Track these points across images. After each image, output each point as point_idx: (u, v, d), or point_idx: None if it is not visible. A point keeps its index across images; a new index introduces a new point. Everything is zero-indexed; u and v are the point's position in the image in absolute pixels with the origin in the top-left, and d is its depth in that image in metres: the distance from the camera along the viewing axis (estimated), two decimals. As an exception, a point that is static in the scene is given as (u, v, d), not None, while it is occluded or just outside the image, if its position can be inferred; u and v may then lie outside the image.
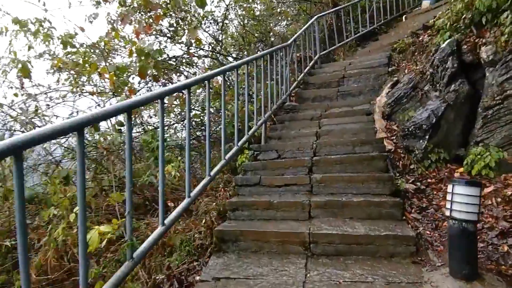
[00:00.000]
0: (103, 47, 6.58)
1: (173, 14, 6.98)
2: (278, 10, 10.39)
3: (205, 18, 8.10)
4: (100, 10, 11.00)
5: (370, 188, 3.65)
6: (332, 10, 8.41)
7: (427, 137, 4.20)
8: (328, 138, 4.69)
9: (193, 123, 7.04)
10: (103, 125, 5.47)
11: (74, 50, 5.59)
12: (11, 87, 5.66)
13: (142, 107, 6.15)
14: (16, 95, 5.55)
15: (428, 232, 3.14)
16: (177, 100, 6.05)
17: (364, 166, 3.98)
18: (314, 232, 3.09)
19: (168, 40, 7.68)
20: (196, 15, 7.56)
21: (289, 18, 10.44)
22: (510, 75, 3.67)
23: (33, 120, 5.47)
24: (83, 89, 6.42)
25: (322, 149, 4.43)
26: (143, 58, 4.79)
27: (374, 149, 4.22)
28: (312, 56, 7.34)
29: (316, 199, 3.58)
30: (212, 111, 6.59)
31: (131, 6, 6.31)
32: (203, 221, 3.73)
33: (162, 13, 6.71)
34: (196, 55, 7.77)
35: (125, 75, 5.74)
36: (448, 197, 2.42)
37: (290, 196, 3.79)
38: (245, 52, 9.03)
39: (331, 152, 4.35)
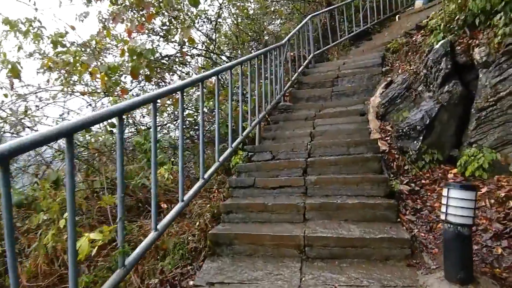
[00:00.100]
0: (94, 46, 6.48)
1: (166, 13, 6.89)
2: (272, 9, 10.34)
3: (198, 17, 8.03)
4: (91, 8, 10.84)
5: (364, 189, 3.65)
6: (326, 9, 8.40)
7: (421, 138, 4.21)
8: (323, 139, 4.67)
9: (187, 122, 6.97)
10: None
11: (65, 49, 5.49)
12: (1, 88, 5.55)
13: (135, 108, 6.05)
14: (6, 95, 5.45)
15: (422, 234, 3.14)
16: (170, 100, 5.98)
17: (358, 167, 3.97)
18: (309, 235, 3.07)
19: (161, 39, 7.59)
20: (189, 13, 7.48)
21: (283, 17, 10.40)
22: (503, 77, 3.68)
23: (23, 121, 5.37)
24: (74, 89, 6.32)
25: (317, 150, 4.41)
26: (135, 58, 4.72)
27: (369, 150, 4.21)
28: (306, 55, 7.32)
29: (311, 201, 3.56)
30: (206, 110, 6.54)
31: (123, 5, 6.22)
32: (197, 223, 3.69)
33: (154, 12, 6.62)
34: (189, 54, 7.69)
35: (117, 74, 5.66)
36: (443, 200, 2.41)
37: (285, 198, 3.76)
38: (239, 51, 8.98)
39: (326, 153, 4.33)
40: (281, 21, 10.70)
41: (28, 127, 5.86)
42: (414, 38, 6.34)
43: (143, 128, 6.70)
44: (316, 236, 3.06)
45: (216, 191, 4.49)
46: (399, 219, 3.32)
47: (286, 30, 9.25)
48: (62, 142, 5.38)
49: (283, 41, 6.13)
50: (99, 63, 5.69)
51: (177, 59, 7.75)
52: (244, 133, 4.29)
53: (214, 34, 8.72)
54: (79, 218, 4.00)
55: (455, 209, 2.32)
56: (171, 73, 7.65)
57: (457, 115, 4.28)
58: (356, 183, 3.70)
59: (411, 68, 5.34)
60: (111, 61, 6.39)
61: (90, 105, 6.59)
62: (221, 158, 3.58)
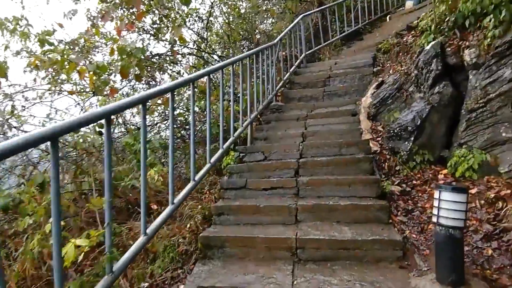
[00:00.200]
0: (83, 45, 6.36)
1: (156, 11, 6.80)
2: (264, 8, 10.30)
3: (189, 16, 7.94)
4: (80, 6, 10.64)
5: (356, 191, 3.64)
6: (317, 9, 8.39)
7: (412, 138, 4.22)
8: (314, 140, 4.66)
9: (178, 121, 6.90)
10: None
11: (52, 48, 5.36)
12: (-13, 87, 5.41)
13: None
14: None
15: (414, 235, 3.14)
16: (161, 99, 5.90)
17: (350, 168, 3.97)
18: (301, 237, 3.05)
19: (151, 38, 7.49)
20: (180, 12, 7.39)
21: (274, 17, 10.36)
22: (493, 78, 3.71)
23: (9, 121, 5.24)
24: (61, 88, 6.20)
25: (309, 150, 4.40)
26: (125, 57, 4.64)
27: (360, 151, 4.21)
28: (298, 55, 7.30)
29: (303, 202, 3.54)
30: (197, 110, 6.47)
31: (113, 3, 6.11)
32: (188, 225, 3.65)
33: (144, 10, 6.53)
34: (180, 53, 7.61)
35: (106, 73, 5.56)
36: (435, 203, 2.41)
37: (277, 200, 3.74)
38: (231, 50, 8.92)
39: (318, 154, 4.32)
40: (273, 21, 10.67)
41: (15, 127, 5.73)
42: (405, 39, 6.37)
43: (133, 127, 6.61)
44: (308, 238, 3.04)
45: (208, 192, 4.45)
46: (390, 220, 3.32)
47: (278, 30, 9.22)
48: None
49: (275, 41, 6.10)
50: (87, 62, 5.58)
51: (168, 58, 7.66)
52: (236, 133, 4.25)
53: (206, 33, 8.64)
54: (67, 220, 3.93)
55: (447, 211, 2.33)
56: (161, 72, 7.57)
57: (447, 116, 4.31)
58: (348, 184, 3.69)
59: (402, 68, 5.36)
60: (100, 59, 6.29)
61: (78, 104, 6.48)
62: (213, 160, 3.54)
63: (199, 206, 3.93)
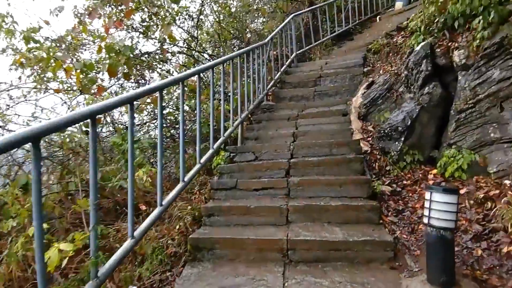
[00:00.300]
0: (70, 42, 6.23)
1: (146, 9, 6.69)
2: (255, 7, 10.25)
3: (179, 14, 7.84)
4: (67, 3, 10.43)
5: (347, 191, 3.63)
6: (308, 9, 8.39)
7: (402, 139, 4.23)
8: (305, 139, 4.64)
9: (168, 121, 6.81)
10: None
11: (37, 45, 5.22)
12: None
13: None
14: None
15: (404, 236, 3.15)
16: (150, 98, 5.81)
17: (341, 168, 3.96)
18: (292, 238, 3.02)
19: (141, 36, 7.38)
20: (170, 10, 7.29)
21: (265, 16, 10.33)
22: (482, 79, 3.74)
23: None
24: (47, 86, 6.05)
25: (300, 150, 4.37)
26: (113, 55, 4.54)
27: (351, 151, 4.21)
28: (289, 54, 7.28)
29: (294, 203, 3.52)
30: (187, 108, 6.40)
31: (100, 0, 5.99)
32: (177, 227, 3.58)
33: (133, 8, 6.42)
34: (170, 51, 7.51)
35: (94, 71, 5.44)
36: (426, 204, 2.41)
37: (268, 201, 3.70)
38: (221, 49, 8.85)
39: (308, 154, 4.30)
40: (264, 20, 10.64)
41: (0, 127, 5.58)
42: (394, 39, 6.40)
43: (121, 127, 6.50)
44: (299, 240, 3.01)
45: (198, 192, 4.39)
46: (381, 221, 3.32)
47: (268, 29, 9.18)
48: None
49: (266, 40, 6.07)
50: (74, 60, 5.45)
51: (157, 57, 7.56)
52: (226, 133, 4.20)
53: (196, 32, 8.56)
54: (52, 222, 3.82)
55: (438, 212, 2.32)
56: (151, 71, 7.46)
57: (437, 116, 4.33)
58: (339, 185, 3.68)
59: (392, 69, 5.38)
60: (88, 57, 6.16)
61: (65, 102, 6.34)
62: (203, 160, 3.48)
63: (189, 207, 3.87)
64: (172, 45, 7.57)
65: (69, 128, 5.24)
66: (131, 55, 5.19)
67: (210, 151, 3.72)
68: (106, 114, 6.23)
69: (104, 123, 6.45)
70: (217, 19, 9.08)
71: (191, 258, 3.12)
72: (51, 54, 4.83)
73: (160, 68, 7.51)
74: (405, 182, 4.01)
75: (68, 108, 5.98)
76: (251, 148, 4.63)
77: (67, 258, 2.00)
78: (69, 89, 6.09)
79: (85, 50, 6.90)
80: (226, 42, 9.10)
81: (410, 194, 3.81)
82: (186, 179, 3.07)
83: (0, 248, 3.27)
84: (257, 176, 4.12)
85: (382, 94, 5.09)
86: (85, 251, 3.07)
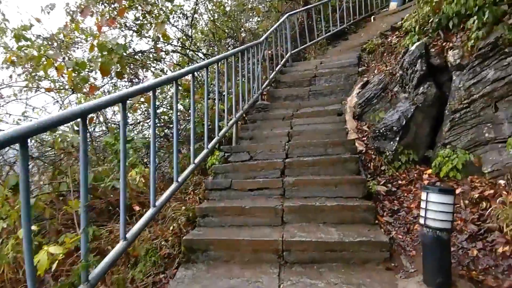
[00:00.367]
0: (62, 40, 6.13)
1: (139, 7, 6.61)
2: (249, 6, 10.21)
3: (173, 12, 7.77)
4: (59, 0, 10.29)
5: (343, 191, 3.61)
6: (303, 8, 8.37)
7: (397, 138, 4.22)
8: (300, 139, 4.61)
9: (162, 120, 6.75)
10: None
11: (29, 43, 5.13)
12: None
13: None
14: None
15: (400, 236, 3.13)
16: (144, 97, 5.74)
17: (336, 168, 3.94)
18: (287, 239, 2.99)
19: (134, 34, 7.30)
20: (164, 8, 7.22)
21: (260, 15, 10.29)
22: (477, 79, 3.74)
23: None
24: (39, 85, 5.95)
25: (295, 150, 4.35)
26: (105, 53, 4.47)
27: (347, 150, 4.19)
28: (284, 54, 7.26)
29: (289, 203, 3.49)
30: (182, 108, 6.34)
31: (93, -3, 5.90)
32: (171, 228, 3.53)
33: (127, 6, 6.34)
34: (164, 50, 7.43)
35: (86, 70, 5.36)
36: (422, 204, 2.39)
37: (263, 201, 3.67)
38: (216, 48, 8.80)
39: (304, 153, 4.28)
40: (259, 19, 10.60)
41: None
42: (389, 39, 6.41)
43: (114, 126, 6.42)
44: (294, 241, 2.98)
45: (192, 192, 4.34)
46: (377, 221, 3.31)
47: (263, 28, 9.15)
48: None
49: (261, 39, 6.03)
50: (67, 58, 5.37)
51: (151, 55, 7.48)
52: (221, 133, 4.16)
53: (190, 30, 8.49)
54: (44, 223, 3.76)
55: (434, 213, 2.31)
56: (145, 70, 7.38)
57: (431, 116, 4.34)
58: (335, 185, 3.66)
59: (387, 69, 5.38)
60: (80, 56, 6.08)
61: (57, 101, 6.24)
62: (197, 160, 3.44)
63: (183, 208, 3.82)
64: (166, 44, 7.50)
65: (61, 128, 5.17)
66: (124, 54, 5.12)
67: (205, 151, 3.68)
68: (99, 113, 6.15)
69: (97, 122, 6.37)
70: (212, 18, 9.02)
71: (185, 260, 3.08)
72: (42, 52, 4.74)
73: (154, 67, 7.43)
74: (400, 182, 4.00)
75: (60, 107, 5.89)
76: (246, 148, 4.59)
77: (57, 261, 1.94)
78: (61, 88, 6.00)
79: (78, 48, 6.81)
80: (221, 41, 9.05)
81: (405, 194, 3.81)
82: (180, 179, 3.03)
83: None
84: (252, 176, 4.08)
85: (377, 93, 5.09)
86: (78, 253, 3.01)
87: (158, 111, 6.81)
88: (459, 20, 4.15)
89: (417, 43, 4.67)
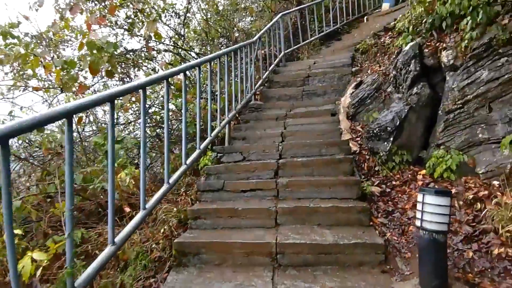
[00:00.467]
0: (51, 38, 6.00)
1: (131, 5, 6.50)
2: (242, 5, 10.15)
3: (165, 11, 7.67)
4: (48, -4, 10.08)
5: (337, 192, 3.57)
6: (296, 8, 8.34)
7: (391, 139, 4.20)
8: (294, 140, 4.57)
9: (153, 120, 6.64)
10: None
11: (16, 41, 4.99)
12: None
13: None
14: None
15: (395, 238, 3.10)
16: (135, 96, 5.64)
17: (330, 169, 3.90)
18: (281, 242, 2.93)
19: (125, 33, 7.18)
20: (155, 7, 7.11)
21: (253, 15, 10.24)
22: (471, 80, 3.73)
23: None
24: (27, 84, 5.82)
25: (288, 151, 4.30)
26: (95, 52, 4.36)
27: (341, 151, 4.16)
28: (277, 54, 7.21)
29: (283, 205, 3.43)
30: (173, 107, 6.25)
31: (83, -6, 5.77)
32: (162, 230, 3.45)
33: (118, 4, 6.23)
34: (155, 49, 7.33)
35: (76, 69, 5.24)
36: (419, 206, 2.35)
37: (256, 202, 3.61)
38: (208, 47, 8.71)
39: (297, 154, 4.23)
40: (252, 19, 10.54)
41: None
42: (382, 40, 6.41)
43: (105, 126, 6.30)
44: (288, 243, 2.93)
45: (184, 194, 4.26)
46: (371, 223, 3.27)
47: (256, 28, 9.10)
48: (13, 142, 4.92)
49: (254, 39, 5.98)
50: (55, 56, 5.25)
51: (143, 54, 7.37)
52: (213, 133, 4.08)
53: (183, 29, 8.39)
54: (31, 225, 3.65)
55: (430, 215, 2.27)
56: (136, 69, 7.27)
57: (425, 116, 4.32)
58: (329, 186, 3.61)
59: (381, 69, 5.36)
60: (70, 54, 5.95)
61: (46, 101, 6.11)
62: (189, 161, 3.37)
63: (175, 209, 3.74)
64: (158, 43, 7.40)
65: (50, 127, 5.05)
66: (115, 52, 5.02)
67: (197, 151, 3.61)
68: (89, 112, 6.03)
69: (87, 122, 6.24)
70: (205, 17, 8.94)
71: (176, 263, 3.00)
72: (30, 50, 4.61)
73: (145, 66, 7.32)
74: (394, 182, 3.97)
75: (49, 107, 5.76)
76: (239, 148, 4.53)
77: (42, 267, 1.86)
78: (50, 86, 5.86)
79: (67, 46, 6.68)
80: (214, 41, 8.97)
81: (400, 195, 3.78)
82: (171, 181, 2.96)
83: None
84: (245, 177, 4.02)
85: (371, 94, 5.06)
86: (65, 257, 2.92)
87: (150, 110, 6.71)
88: (453, 21, 4.14)
89: (411, 44, 4.65)
